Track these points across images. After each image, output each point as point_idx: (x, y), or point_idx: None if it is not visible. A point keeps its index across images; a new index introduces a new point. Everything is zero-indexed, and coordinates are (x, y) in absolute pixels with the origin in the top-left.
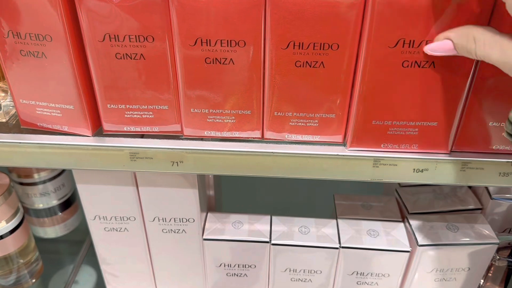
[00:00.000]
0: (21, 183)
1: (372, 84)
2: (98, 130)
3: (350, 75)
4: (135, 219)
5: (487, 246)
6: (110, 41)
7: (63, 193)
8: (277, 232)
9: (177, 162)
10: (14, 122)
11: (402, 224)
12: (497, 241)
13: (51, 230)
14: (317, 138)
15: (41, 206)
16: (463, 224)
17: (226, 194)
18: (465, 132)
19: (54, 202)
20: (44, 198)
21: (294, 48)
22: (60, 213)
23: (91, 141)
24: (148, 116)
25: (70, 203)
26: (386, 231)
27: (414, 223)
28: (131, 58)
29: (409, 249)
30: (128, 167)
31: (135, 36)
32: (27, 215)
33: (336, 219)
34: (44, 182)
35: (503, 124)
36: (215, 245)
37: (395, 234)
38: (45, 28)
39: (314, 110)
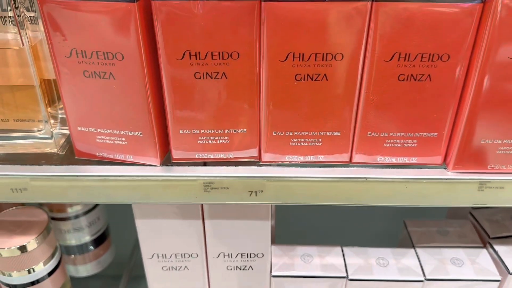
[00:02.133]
0: (53, 218)
1: (485, 99)
2: (165, 159)
3: (458, 90)
4: (197, 256)
5: None
6: (190, 58)
7: (97, 228)
8: (353, 266)
9: (255, 192)
10: (64, 153)
11: (485, 251)
12: None
13: (83, 268)
14: (413, 160)
15: (73, 242)
16: None
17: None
18: None
19: (87, 238)
20: (77, 234)
21: (399, 61)
22: (93, 249)
23: (161, 171)
24: (223, 141)
25: (104, 238)
26: (471, 259)
27: (499, 248)
28: (211, 78)
29: (499, 277)
30: (201, 199)
31: (218, 52)
32: None
33: (414, 248)
34: (77, 216)
35: None
36: (285, 282)
37: (480, 261)
38: (116, 45)
39: (414, 129)
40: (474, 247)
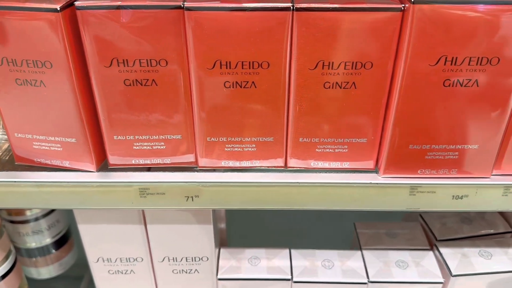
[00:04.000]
0: (12, 221)
1: (410, 105)
2: (102, 165)
3: (384, 96)
4: (142, 260)
5: None
6: (118, 65)
7: (57, 230)
8: (298, 268)
9: (192, 197)
10: (7, 158)
11: (431, 253)
12: None
13: (45, 271)
14: (346, 165)
15: (33, 245)
16: (496, 249)
17: (235, 227)
18: (506, 154)
19: (48, 240)
20: (37, 236)
21: (323, 69)
22: (55, 252)
23: (96, 177)
24: (159, 147)
25: (65, 240)
26: (416, 262)
27: (444, 251)
28: (141, 85)
29: (442, 280)
30: (138, 205)
31: (146, 60)
32: (18, 256)
33: (361, 250)
34: (36, 219)
35: None
36: (231, 285)
37: (425, 264)
38: (44, 54)
39: (344, 135)
40: (421, 249)
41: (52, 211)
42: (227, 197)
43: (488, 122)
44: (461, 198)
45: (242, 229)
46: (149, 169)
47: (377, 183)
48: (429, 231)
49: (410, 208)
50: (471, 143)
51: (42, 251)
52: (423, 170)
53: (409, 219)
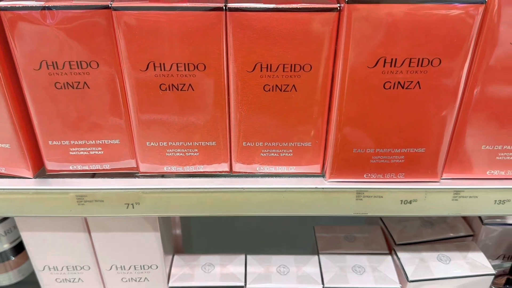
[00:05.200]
0: None
1: (351, 108)
2: (41, 171)
3: (326, 99)
4: (89, 268)
5: (483, 277)
6: (48, 68)
7: (14, 236)
8: (252, 275)
9: (132, 204)
10: None
11: (389, 257)
12: (493, 271)
13: (4, 277)
14: (292, 169)
15: None
16: (455, 253)
17: (197, 232)
18: (456, 157)
19: (6, 246)
20: None
21: (261, 71)
22: (13, 258)
23: (32, 184)
24: (96, 152)
25: (23, 246)
26: (373, 267)
27: (402, 255)
28: (73, 88)
29: (398, 286)
30: (76, 212)
31: (76, 62)
32: None
33: (318, 255)
34: None
35: (496, 147)
36: None
37: (382, 269)
38: None
39: (287, 139)
40: (379, 254)
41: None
42: (169, 203)
43: (434, 125)
44: (410, 202)
45: (207, 234)
46: (93, 175)
47: (322, 188)
48: (389, 234)
49: (358, 213)
50: (417, 147)
51: (0, 257)
52: (369, 174)
53: (371, 222)
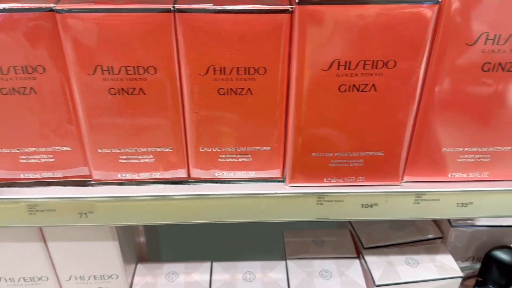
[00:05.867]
0: None
1: (308, 112)
2: None
3: (283, 103)
4: (47, 279)
5: (451, 280)
6: None
7: None
8: (217, 282)
9: (85, 213)
10: None
11: (357, 261)
12: (461, 274)
13: None
14: (252, 174)
15: None
16: (423, 256)
17: (166, 239)
18: (417, 160)
19: None
20: None
21: (215, 74)
22: None
23: None
24: (47, 160)
25: None
26: (340, 271)
27: (370, 259)
28: (19, 93)
29: None
30: (28, 222)
31: (21, 67)
32: None
33: (286, 261)
34: None
35: (457, 150)
36: None
37: (350, 273)
38: None
39: (246, 144)
40: (347, 258)
41: None
42: (124, 212)
43: (391, 128)
44: (371, 206)
45: (176, 241)
46: (49, 183)
47: (282, 193)
48: (358, 238)
49: (319, 218)
50: (375, 150)
51: None
52: (329, 179)
53: (343, 225)
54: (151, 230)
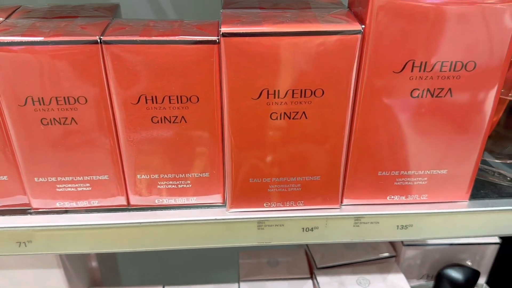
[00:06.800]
0: None
1: (241, 139)
2: None
3: (218, 129)
4: None
5: None
6: None
7: None
8: None
9: (24, 242)
10: None
11: (310, 282)
12: None
13: None
14: (193, 200)
15: None
16: (375, 276)
17: (124, 263)
18: (354, 184)
19: None
20: None
21: (147, 103)
22: None
23: None
24: None
25: None
26: None
27: (322, 279)
28: None
29: None
30: None
31: None
32: None
33: (239, 283)
34: None
35: (393, 173)
36: None
37: None
38: None
39: (184, 170)
40: (300, 278)
41: None
42: (64, 241)
43: (325, 153)
44: (312, 230)
45: (134, 265)
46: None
47: (223, 219)
48: (311, 257)
49: (261, 242)
50: (312, 175)
51: None
52: (269, 203)
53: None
54: (107, 254)
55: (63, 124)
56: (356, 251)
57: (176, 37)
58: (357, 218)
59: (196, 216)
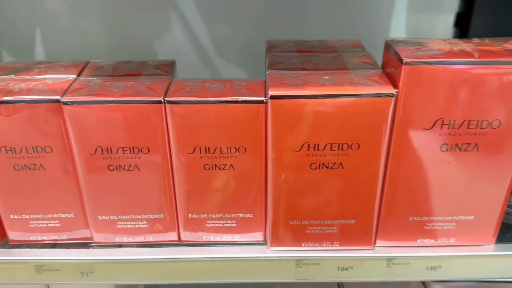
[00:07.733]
0: None
1: (283, 185)
2: (4, 241)
3: (262, 175)
4: None
5: None
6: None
7: None
8: None
9: (86, 273)
10: None
11: None
12: None
13: None
14: (237, 237)
15: None
16: None
17: None
18: (386, 227)
19: None
20: None
21: (200, 153)
22: None
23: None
24: (54, 224)
25: None
26: None
27: None
28: (30, 169)
29: None
30: (35, 280)
31: (32, 147)
32: None
33: None
34: None
35: (423, 218)
36: None
37: None
38: None
39: (230, 211)
40: None
41: None
42: (121, 272)
43: (360, 199)
44: (347, 269)
45: None
46: (54, 245)
47: (265, 257)
48: None
49: (299, 279)
50: (347, 219)
51: None
52: (307, 243)
53: None
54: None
55: (127, 170)
56: (387, 286)
57: (229, 97)
58: (389, 259)
59: (239, 254)
